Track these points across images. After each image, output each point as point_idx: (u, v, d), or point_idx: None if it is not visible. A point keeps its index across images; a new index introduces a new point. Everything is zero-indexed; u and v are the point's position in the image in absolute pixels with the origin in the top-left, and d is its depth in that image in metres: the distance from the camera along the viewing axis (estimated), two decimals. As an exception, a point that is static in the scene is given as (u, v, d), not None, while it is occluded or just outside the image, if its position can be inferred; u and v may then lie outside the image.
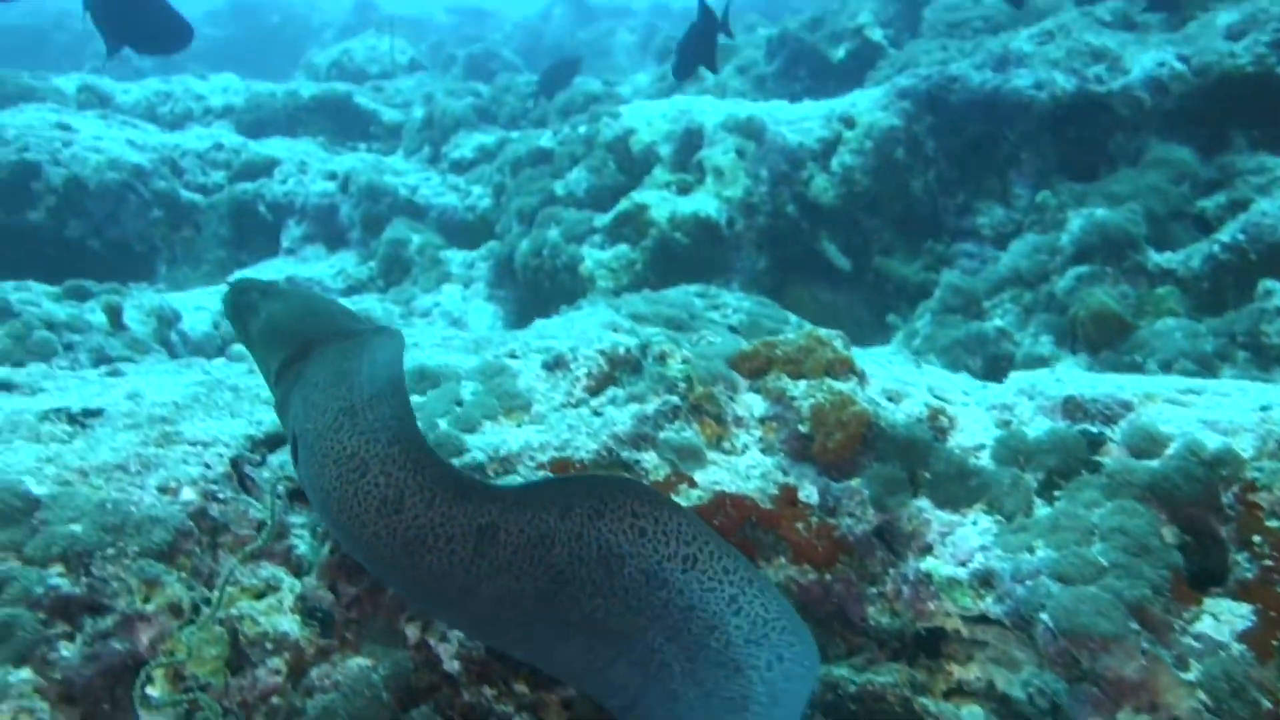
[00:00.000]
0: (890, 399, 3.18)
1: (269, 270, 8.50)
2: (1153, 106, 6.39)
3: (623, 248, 7.12)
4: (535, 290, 7.58)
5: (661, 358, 3.30)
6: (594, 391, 3.29)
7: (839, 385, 3.10)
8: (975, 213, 6.95)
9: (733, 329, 5.65)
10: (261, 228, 9.40)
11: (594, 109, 8.83)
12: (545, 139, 8.63)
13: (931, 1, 10.00)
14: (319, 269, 8.68)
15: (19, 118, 8.87)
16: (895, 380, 3.30)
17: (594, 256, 7.12)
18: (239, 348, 6.50)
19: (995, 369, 5.33)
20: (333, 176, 9.62)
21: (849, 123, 7.35)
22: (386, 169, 9.76)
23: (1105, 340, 4.88)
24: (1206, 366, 4.54)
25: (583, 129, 8.20)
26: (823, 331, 3.32)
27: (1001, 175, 6.95)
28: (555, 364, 3.35)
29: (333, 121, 11.62)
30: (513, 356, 3.49)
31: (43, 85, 10.94)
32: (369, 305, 7.62)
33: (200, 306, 7.23)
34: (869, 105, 7.43)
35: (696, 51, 5.71)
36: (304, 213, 9.36)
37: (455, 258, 8.50)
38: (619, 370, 3.36)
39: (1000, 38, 7.82)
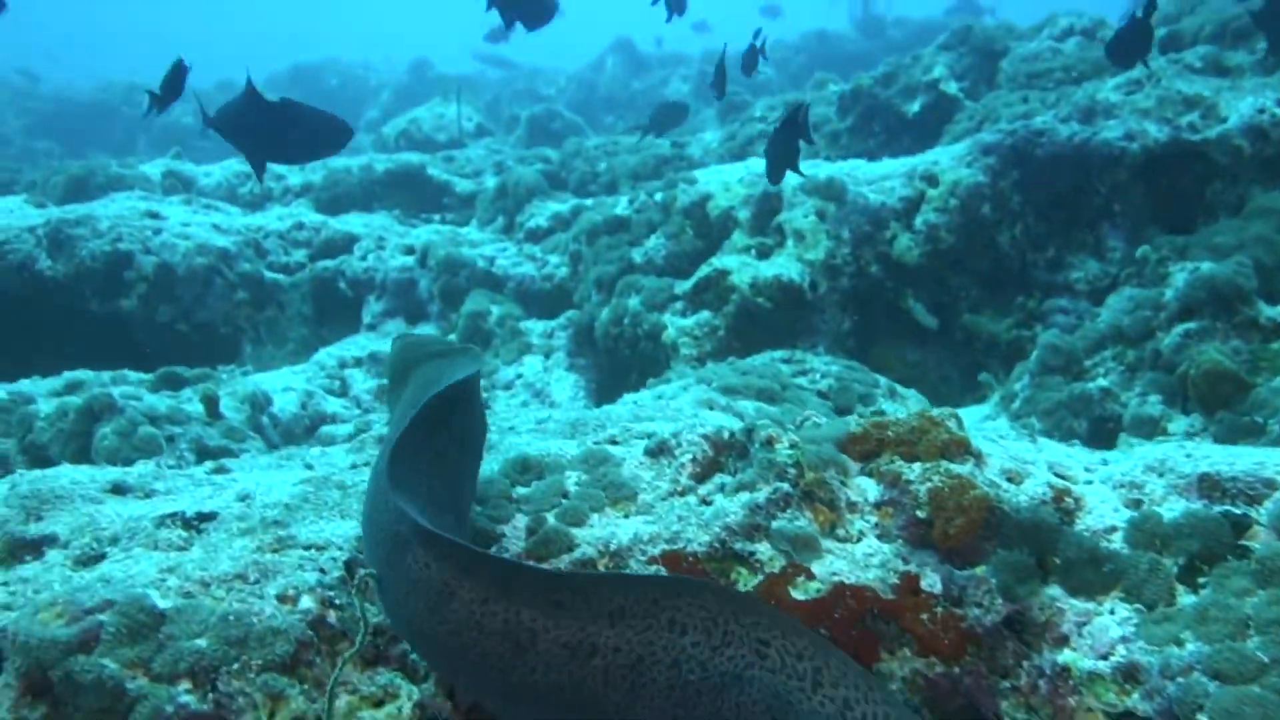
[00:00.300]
0: (1010, 480, 3.07)
1: (351, 348, 8.59)
2: (1253, 154, 6.22)
3: (705, 314, 7.06)
4: (615, 358, 7.54)
5: (769, 442, 3.22)
6: (700, 478, 3.23)
7: (956, 467, 3.00)
8: (1068, 267, 6.77)
9: (821, 394, 5.56)
10: (343, 304, 9.54)
11: (668, 175, 8.82)
12: (621, 206, 8.61)
13: (1009, 52, 9.89)
14: (400, 344, 8.73)
15: (111, 208, 9.14)
16: (1013, 459, 3.19)
17: (676, 324, 7.07)
18: (328, 429, 6.56)
19: (1101, 431, 5.14)
20: (410, 250, 9.72)
21: (932, 180, 7.24)
22: (463, 241, 9.83)
23: (1220, 400, 4.67)
24: (1335, 427, 4.33)
25: (659, 195, 8.19)
26: (935, 411, 3.22)
27: (1094, 228, 6.78)
28: (658, 450, 3.30)
29: (407, 194, 11.81)
30: (613, 443, 3.44)
31: (131, 173, 11.30)
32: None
33: (288, 386, 7.29)
34: (951, 162, 7.31)
35: (785, 157, 5.93)
36: (384, 288, 9.49)
37: (534, 328, 8.50)
38: (724, 455, 3.30)
39: (1085, 88, 7.68)
